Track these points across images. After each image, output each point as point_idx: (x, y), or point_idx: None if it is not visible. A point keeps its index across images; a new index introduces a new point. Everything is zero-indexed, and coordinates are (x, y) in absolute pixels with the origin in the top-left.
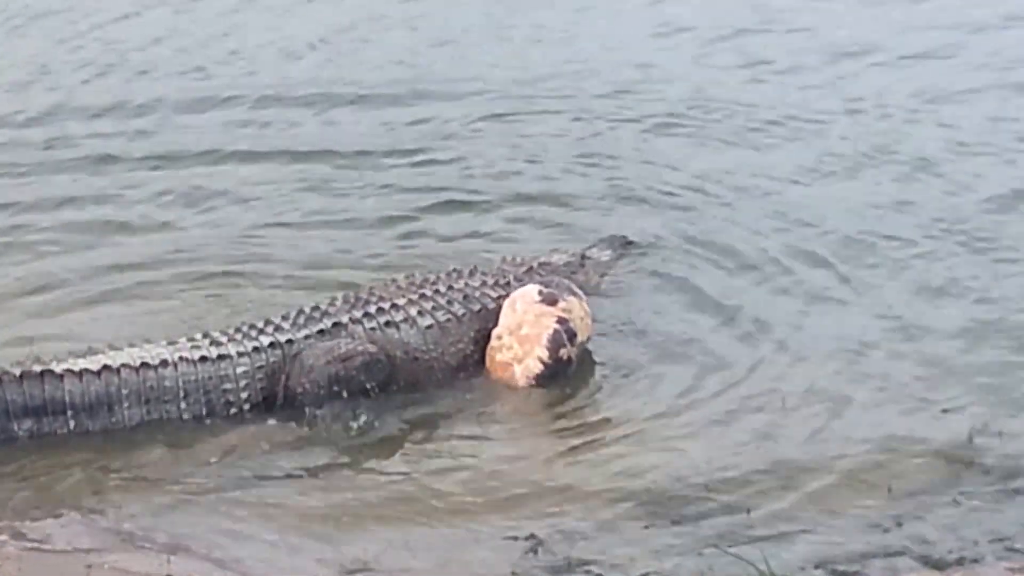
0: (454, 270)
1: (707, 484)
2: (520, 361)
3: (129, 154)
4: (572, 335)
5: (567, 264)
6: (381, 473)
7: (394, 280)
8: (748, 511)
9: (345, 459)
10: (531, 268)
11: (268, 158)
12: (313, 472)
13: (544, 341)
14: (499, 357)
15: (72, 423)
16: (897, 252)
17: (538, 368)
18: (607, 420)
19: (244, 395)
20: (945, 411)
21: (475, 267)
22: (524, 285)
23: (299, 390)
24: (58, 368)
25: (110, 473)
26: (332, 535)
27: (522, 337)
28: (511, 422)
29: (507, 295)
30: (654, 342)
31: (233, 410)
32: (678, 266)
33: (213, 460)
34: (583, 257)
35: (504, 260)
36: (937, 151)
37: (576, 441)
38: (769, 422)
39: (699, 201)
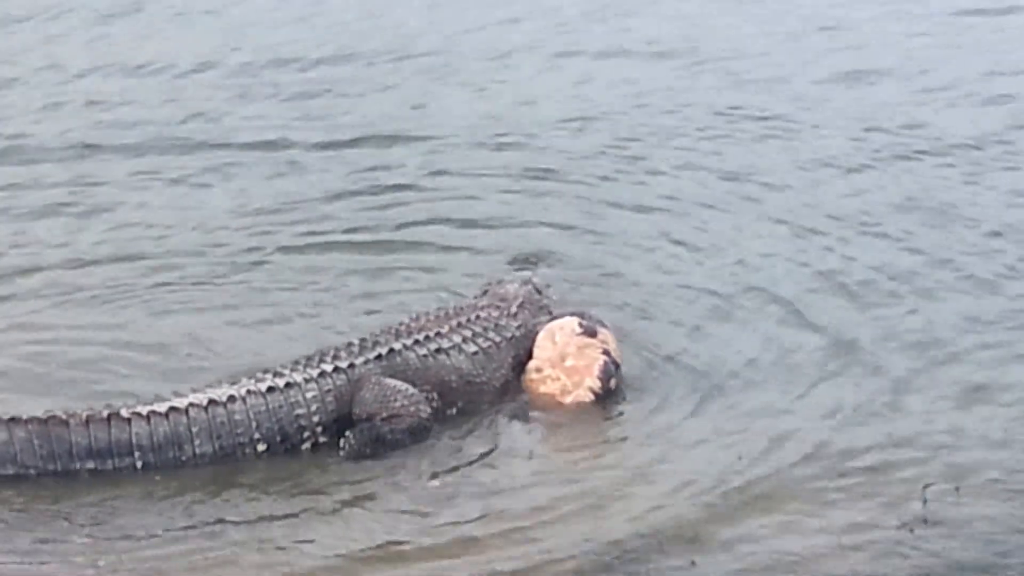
0: (460, 306)
1: (660, 530)
2: (570, 392)
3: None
4: (617, 365)
5: (535, 291)
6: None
7: (414, 316)
8: (693, 563)
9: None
10: (522, 302)
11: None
12: (320, 507)
13: (596, 372)
14: (543, 389)
15: (140, 463)
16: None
17: (589, 399)
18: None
19: (316, 419)
20: (902, 474)
21: (475, 302)
22: (518, 317)
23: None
24: (125, 412)
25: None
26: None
27: (568, 369)
28: (519, 457)
29: (521, 325)
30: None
31: (307, 434)
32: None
33: (238, 493)
34: (534, 283)
35: (489, 294)
36: None
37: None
38: (733, 468)
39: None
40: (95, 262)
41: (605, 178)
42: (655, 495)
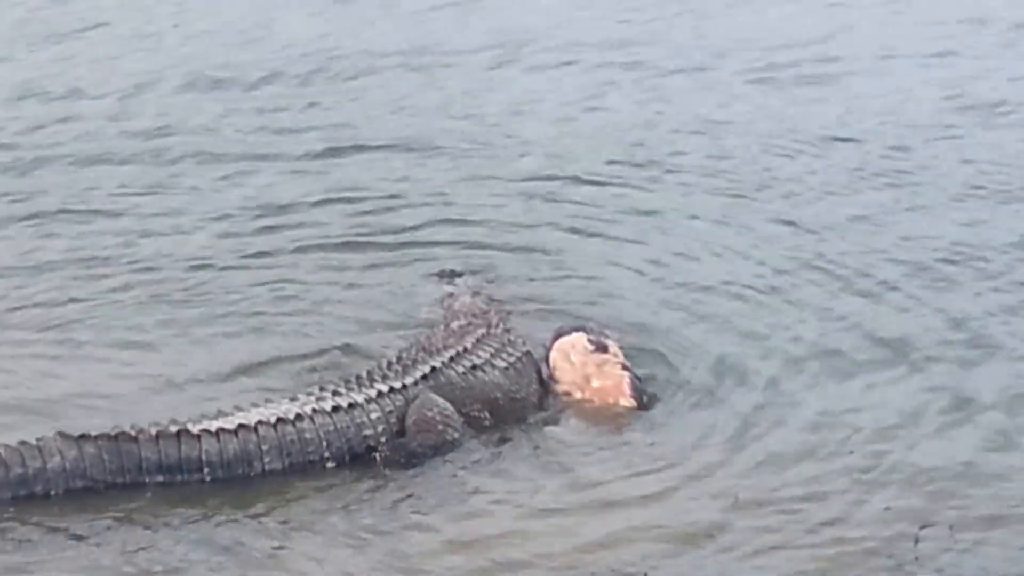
0: (458, 325)
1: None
2: None
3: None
4: (639, 378)
5: (499, 301)
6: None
7: (426, 336)
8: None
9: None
10: (501, 315)
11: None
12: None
13: (627, 391)
14: None
15: (209, 477)
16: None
17: None
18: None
19: (384, 439)
20: (888, 508)
21: (470, 322)
22: (511, 331)
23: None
24: (194, 428)
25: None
26: None
27: (598, 391)
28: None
29: (524, 340)
30: None
31: (374, 454)
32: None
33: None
34: (487, 294)
35: (448, 308)
36: None
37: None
38: (718, 519)
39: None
40: (78, 271)
41: (582, 184)
42: (659, 506)
